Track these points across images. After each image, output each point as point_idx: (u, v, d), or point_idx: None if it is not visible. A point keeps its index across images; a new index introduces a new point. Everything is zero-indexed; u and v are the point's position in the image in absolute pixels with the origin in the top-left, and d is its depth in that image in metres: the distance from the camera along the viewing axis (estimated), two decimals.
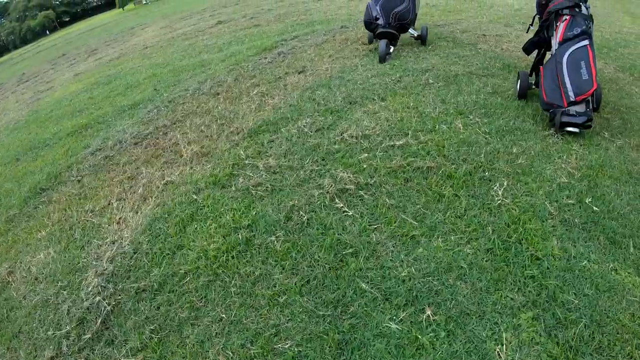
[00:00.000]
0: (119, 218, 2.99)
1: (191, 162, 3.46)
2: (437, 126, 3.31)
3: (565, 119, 3.19)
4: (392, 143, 3.09)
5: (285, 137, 3.43)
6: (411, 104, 3.70)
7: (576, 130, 3.22)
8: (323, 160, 3.04)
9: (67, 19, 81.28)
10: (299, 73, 4.92)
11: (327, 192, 2.69)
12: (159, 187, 3.23)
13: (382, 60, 4.99)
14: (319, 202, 2.64)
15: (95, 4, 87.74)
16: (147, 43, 10.88)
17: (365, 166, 2.88)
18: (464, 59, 4.92)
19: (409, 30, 5.37)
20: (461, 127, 3.29)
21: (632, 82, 4.63)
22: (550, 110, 3.30)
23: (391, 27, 5.06)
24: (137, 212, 3.00)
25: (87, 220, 3.06)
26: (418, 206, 2.53)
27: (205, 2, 21.34)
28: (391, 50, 5.16)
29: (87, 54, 13.42)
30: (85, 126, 4.99)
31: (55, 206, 3.39)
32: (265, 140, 3.45)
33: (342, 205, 2.58)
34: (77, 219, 3.11)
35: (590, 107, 3.25)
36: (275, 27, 8.34)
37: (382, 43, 5.02)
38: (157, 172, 3.45)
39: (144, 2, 50.33)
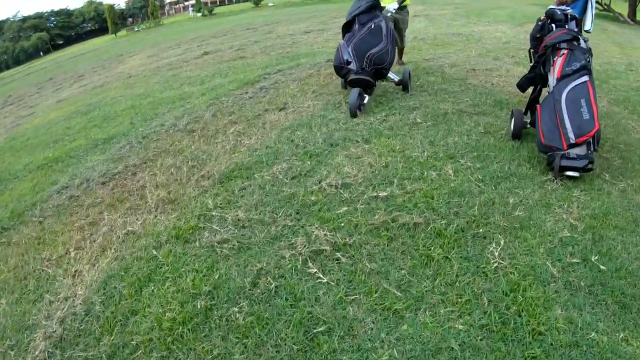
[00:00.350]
0: (75, 271, 2.66)
1: (156, 210, 3.12)
2: (425, 173, 3.01)
3: (565, 163, 2.91)
4: (376, 194, 2.77)
5: (259, 184, 3.10)
6: (397, 147, 3.41)
7: (576, 174, 2.94)
8: (297, 213, 2.70)
9: (61, 42, 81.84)
10: (279, 110, 4.63)
11: (300, 254, 2.35)
12: (119, 237, 2.89)
13: (353, 114, 4.15)
14: (289, 266, 2.29)
15: (89, 28, 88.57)
16: (132, 72, 10.71)
17: (344, 222, 2.54)
18: (453, 95, 4.69)
19: (388, 74, 4.68)
20: (452, 174, 2.99)
21: (627, 116, 4.43)
22: (549, 154, 3.01)
23: (365, 73, 4.26)
24: (93, 265, 2.67)
25: (43, 270, 2.73)
26: (403, 271, 2.19)
27: (195, 31, 21.45)
28: (365, 100, 4.36)
29: (73, 80, 13.29)
30: (57, 160, 4.70)
31: (14, 249, 3.06)
32: (236, 187, 3.12)
33: (315, 270, 2.24)
34: (33, 267, 2.79)
35: (592, 148, 2.97)
36: (260, 60, 8.14)
37: (354, 93, 4.20)
38: (120, 218, 3.11)
39: (136, 29, 50.89)
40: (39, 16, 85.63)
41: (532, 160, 3.22)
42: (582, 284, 2.08)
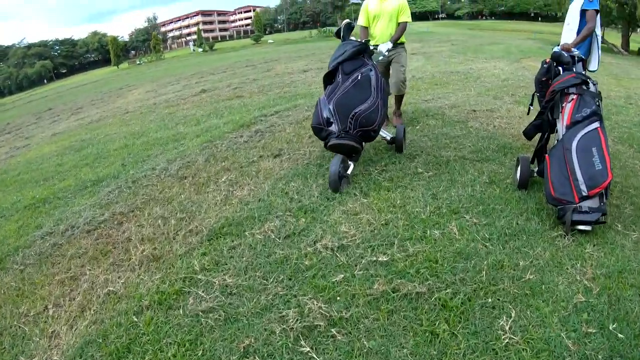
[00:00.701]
0: (52, 331, 2.45)
1: (140, 267, 2.90)
2: (428, 232, 2.80)
3: (577, 217, 2.72)
4: (375, 258, 2.56)
5: (249, 244, 2.89)
6: (398, 202, 3.22)
7: (589, 228, 2.75)
8: (290, 280, 2.48)
9: (64, 71, 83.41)
10: (274, 157, 4.46)
11: (292, 329, 2.12)
12: (99, 297, 2.66)
13: (334, 189, 3.42)
14: (280, 343, 2.06)
15: (92, 59, 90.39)
16: (129, 107, 10.64)
17: (340, 292, 2.32)
18: (455, 140, 4.54)
19: (380, 132, 3.91)
20: (456, 233, 2.79)
21: (633, 155, 4.29)
22: (559, 207, 2.82)
23: (349, 136, 3.48)
24: (71, 327, 2.45)
25: (19, 327, 2.52)
26: (405, 350, 1.96)
27: (195, 67, 21.65)
28: (350, 169, 3.60)
29: (71, 112, 13.25)
30: (44, 200, 4.50)
31: None
32: (225, 246, 2.91)
33: (308, 349, 2.01)
34: (9, 323, 2.57)
35: (604, 200, 2.79)
36: (257, 100, 8.06)
37: (335, 162, 3.42)
38: (102, 275, 2.89)
39: (138, 62, 51.72)
40: (43, 44, 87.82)
41: (541, 212, 3.04)
42: (599, 357, 1.88)
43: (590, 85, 3.12)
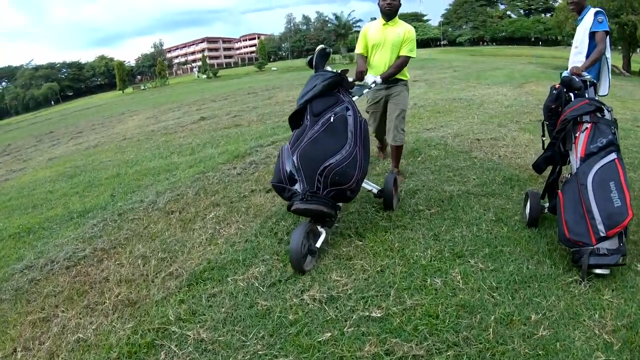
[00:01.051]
0: None
1: (113, 313, 2.64)
2: (428, 280, 2.52)
3: (593, 261, 2.44)
4: (368, 313, 2.26)
5: (231, 292, 2.62)
6: (396, 245, 2.94)
7: (607, 272, 2.47)
8: (272, 336, 2.19)
9: (70, 94, 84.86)
10: (267, 192, 4.20)
11: None
12: (69, 344, 2.42)
13: (298, 267, 2.66)
14: None
15: (98, 82, 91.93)
16: (128, 134, 10.57)
17: (326, 354, 2.03)
18: (458, 172, 4.30)
19: (363, 184, 3.17)
20: (460, 281, 2.51)
21: None
22: (574, 249, 2.54)
23: (317, 200, 2.70)
24: None
25: None
26: None
27: (198, 94, 21.75)
28: (320, 240, 2.81)
29: (70, 136, 13.24)
30: (29, 230, 4.33)
31: None
32: (205, 294, 2.63)
33: None
34: None
35: (623, 239, 2.50)
36: (255, 129, 7.91)
37: (299, 232, 2.65)
38: (74, 318, 2.64)
39: (142, 88, 52.40)
40: (51, 66, 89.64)
41: (553, 254, 2.76)
42: None
43: (605, 112, 2.85)
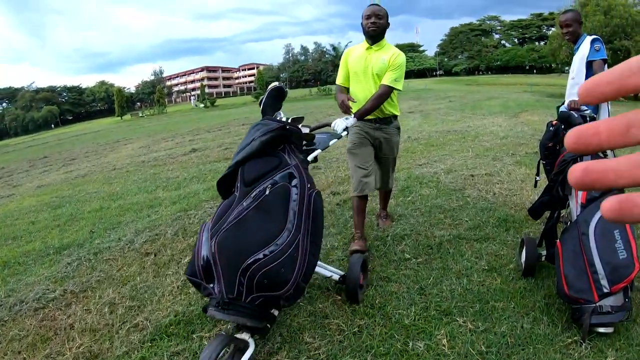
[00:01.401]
0: None
1: None
2: (410, 344, 2.25)
3: (596, 320, 2.19)
4: None
5: (195, 351, 2.35)
6: (377, 300, 2.67)
7: (610, 330, 2.22)
8: None
9: (70, 117, 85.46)
10: None
11: None
12: None
13: None
14: None
15: (98, 107, 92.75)
16: (118, 164, 10.42)
17: None
18: (450, 214, 4.08)
19: (320, 270, 2.61)
20: (446, 345, 2.25)
21: None
22: (575, 306, 2.29)
23: (237, 308, 1.87)
24: None
25: None
26: None
27: (193, 123, 21.73)
28: (248, 354, 1.97)
29: (63, 163, 13.09)
30: (5, 264, 4.15)
31: None
32: (167, 352, 2.37)
33: None
34: None
35: (629, 294, 2.25)
36: None
37: (213, 345, 1.85)
38: None
39: (140, 115, 52.76)
40: (51, 89, 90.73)
41: (551, 309, 2.50)
42: None
43: (608, 151, 2.63)
